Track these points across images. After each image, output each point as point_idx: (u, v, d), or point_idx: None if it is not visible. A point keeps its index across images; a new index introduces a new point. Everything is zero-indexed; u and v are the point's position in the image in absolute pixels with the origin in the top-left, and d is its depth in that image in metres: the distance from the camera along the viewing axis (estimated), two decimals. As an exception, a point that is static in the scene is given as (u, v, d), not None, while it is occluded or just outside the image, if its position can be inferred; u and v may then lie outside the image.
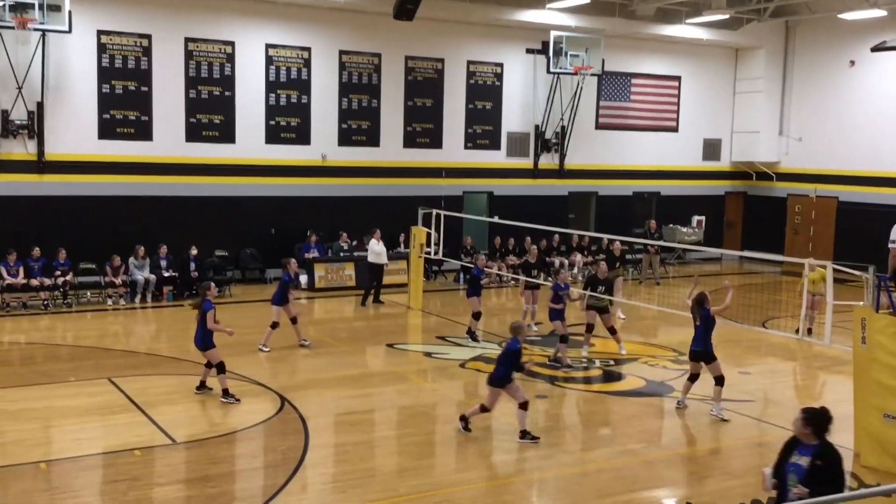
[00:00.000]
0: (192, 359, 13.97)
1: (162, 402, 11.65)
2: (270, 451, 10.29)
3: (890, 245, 10.15)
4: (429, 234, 18.93)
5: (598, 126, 25.94)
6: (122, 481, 9.05)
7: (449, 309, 18.90)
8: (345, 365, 14.05)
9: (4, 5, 17.25)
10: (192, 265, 19.43)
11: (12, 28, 17.48)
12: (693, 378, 11.80)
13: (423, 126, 23.46)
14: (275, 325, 14.63)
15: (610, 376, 13.95)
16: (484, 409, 10.63)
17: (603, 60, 24.01)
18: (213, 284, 12.56)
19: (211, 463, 9.67)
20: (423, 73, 23.34)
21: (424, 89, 23.37)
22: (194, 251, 19.49)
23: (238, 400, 11.75)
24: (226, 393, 11.74)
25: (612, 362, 14.56)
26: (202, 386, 12.11)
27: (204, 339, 11.83)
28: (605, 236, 22.00)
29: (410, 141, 23.29)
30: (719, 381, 11.54)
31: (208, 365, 11.99)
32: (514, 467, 9.85)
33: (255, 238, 21.34)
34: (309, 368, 13.80)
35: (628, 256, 21.13)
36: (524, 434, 10.46)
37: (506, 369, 10.46)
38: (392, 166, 22.92)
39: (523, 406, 10.48)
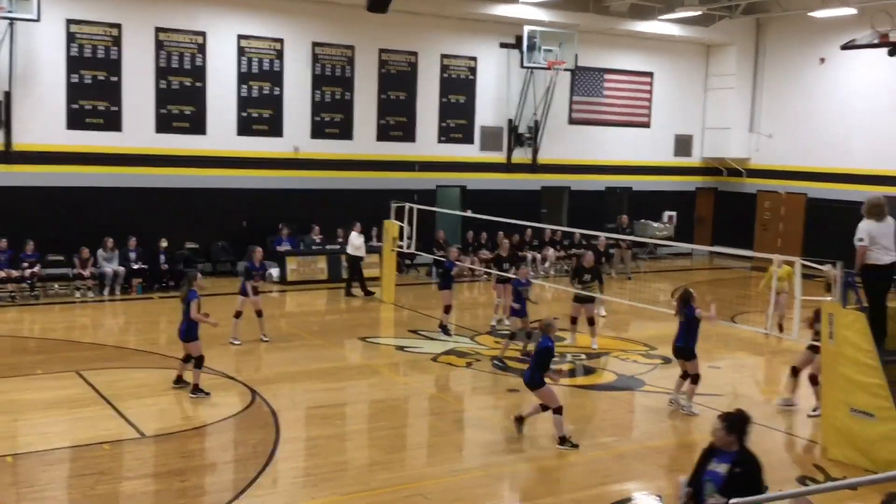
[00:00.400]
0: (160, 352, 13.87)
1: (131, 396, 11.53)
2: (241, 445, 10.23)
3: (856, 242, 10.26)
4: (401, 228, 18.89)
5: (571, 121, 26.01)
6: (89, 475, 8.95)
7: (421, 303, 18.88)
8: (316, 358, 14.00)
9: (-30, -8, 16.94)
10: (162, 257, 19.25)
11: (-22, 15, 17.18)
12: (685, 375, 11.68)
13: (397, 119, 23.40)
14: (237, 315, 14.57)
15: (582, 370, 14.00)
16: (544, 407, 10.29)
17: (576, 55, 24.07)
18: (199, 275, 12.31)
19: (181, 457, 9.59)
20: (397, 66, 23.26)
21: (398, 82, 23.29)
22: (164, 243, 19.30)
23: (208, 394, 11.64)
24: (196, 388, 11.62)
25: (583, 356, 14.62)
26: (179, 380, 11.92)
27: (187, 331, 11.62)
28: (578, 231, 22.13)
29: (384, 134, 23.22)
30: (695, 378, 11.53)
31: (186, 359, 11.80)
32: (486, 460, 9.86)
33: (226, 231, 21.16)
34: (280, 362, 13.73)
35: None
36: (563, 440, 10.15)
37: (538, 369, 10.16)
38: (365, 159, 22.83)
39: (558, 411, 10.13)
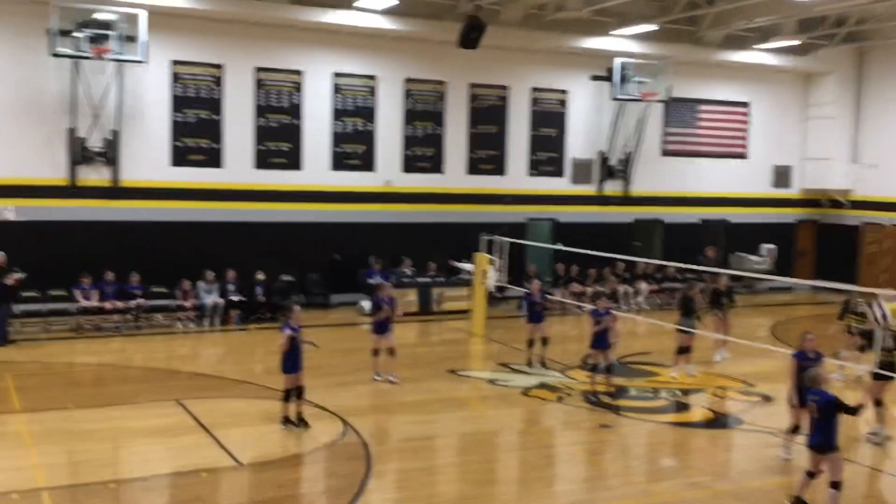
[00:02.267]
0: (257, 382, 14.16)
1: (228, 425, 11.79)
2: (333, 476, 10.33)
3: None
4: (492, 261, 18.89)
5: (664, 153, 25.67)
6: (188, 502, 9.18)
7: (511, 336, 18.79)
8: (407, 391, 14.06)
9: (83, 36, 17.86)
10: (259, 289, 19.74)
11: (90, 58, 18.08)
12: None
13: (487, 153, 23.55)
14: (375, 353, 14.57)
15: (677, 406, 13.68)
16: (811, 475, 9.09)
17: (670, 87, 23.80)
18: (297, 308, 12.11)
19: (275, 486, 9.74)
20: (488, 101, 23.45)
21: (488, 116, 23.47)
22: (261, 276, 19.80)
23: (298, 426, 11.66)
24: (287, 420, 11.77)
25: (678, 392, 14.28)
26: (288, 420, 11.79)
27: (284, 363, 11.72)
28: (671, 264, 21.70)
29: (474, 168, 23.39)
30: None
31: (297, 393, 11.79)
32: (576, 497, 9.69)
33: (319, 263, 21.58)
34: (371, 393, 13.84)
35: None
36: None
37: (829, 429, 8.84)
38: (456, 192, 23.02)
39: (835, 486, 8.85)
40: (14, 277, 16.44)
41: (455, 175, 23.15)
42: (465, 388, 14.65)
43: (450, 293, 21.46)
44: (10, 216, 18.44)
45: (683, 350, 15.15)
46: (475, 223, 22.06)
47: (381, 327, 14.54)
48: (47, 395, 13.16)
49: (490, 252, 19.08)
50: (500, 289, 21.21)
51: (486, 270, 18.92)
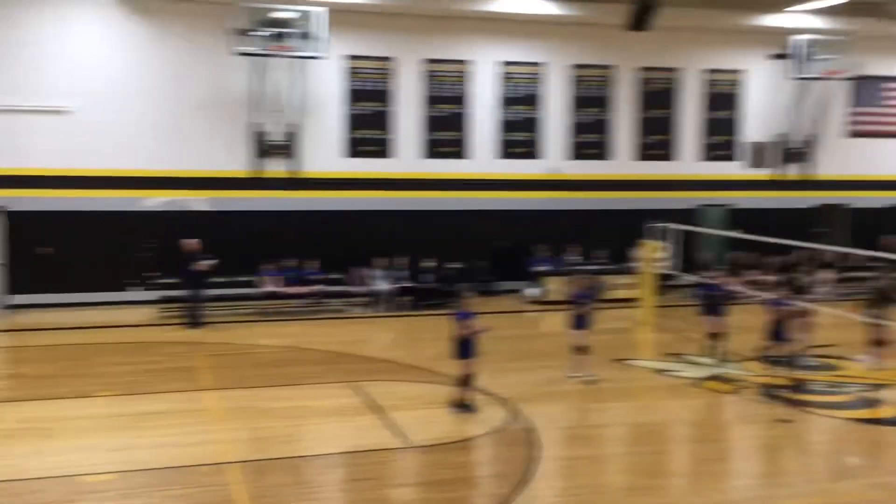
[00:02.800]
0: (427, 367, 14.52)
1: (398, 407, 12.16)
2: (502, 461, 10.47)
3: None
4: (661, 249, 18.47)
5: (849, 133, 24.18)
6: (362, 480, 9.57)
7: (681, 325, 18.32)
8: (573, 379, 13.99)
9: (265, 34, 18.84)
10: (429, 276, 20.20)
11: (272, 56, 19.06)
12: None
13: (657, 138, 23.01)
14: (580, 350, 13.79)
15: (864, 402, 12.91)
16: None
17: (857, 63, 22.34)
18: (469, 293, 12.26)
19: (445, 468, 9.98)
20: (657, 84, 22.90)
21: (658, 100, 22.92)
22: (430, 263, 20.27)
23: (470, 411, 11.88)
24: (459, 406, 11.94)
25: (868, 386, 13.48)
26: (461, 405, 11.95)
27: (458, 349, 11.89)
28: (859, 252, 20.43)
29: (643, 153, 22.92)
30: None
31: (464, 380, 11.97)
32: (752, 493, 9.36)
33: (486, 250, 21.82)
34: (539, 381, 13.88)
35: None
36: None
37: None
38: (623, 179, 22.65)
39: None
40: (205, 264, 17.60)
41: (623, 161, 22.78)
42: (633, 378, 14.43)
43: (617, 281, 21.14)
44: (202, 206, 19.75)
45: (879, 343, 14.25)
46: (644, 210, 21.61)
47: (580, 322, 13.92)
48: (234, 374, 14.04)
49: (660, 239, 18.64)
50: (670, 277, 20.68)
51: (656, 258, 18.51)
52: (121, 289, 19.36)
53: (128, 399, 12.44)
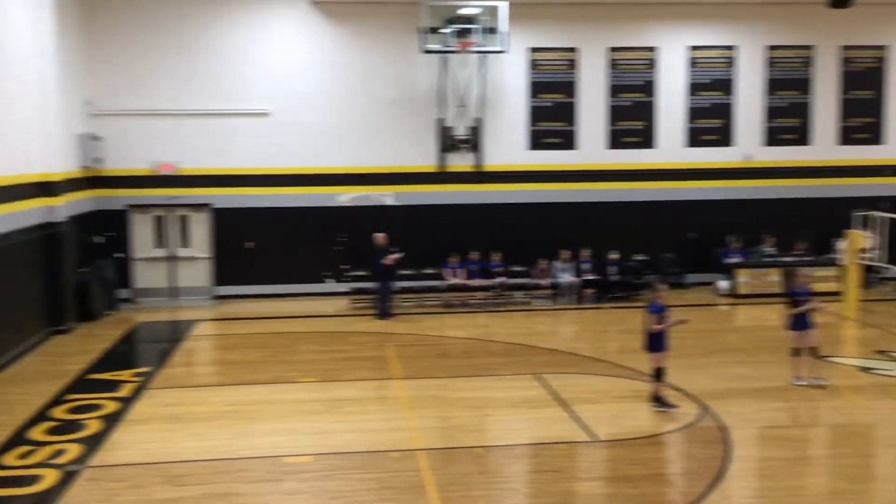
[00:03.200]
0: (611, 360, 14.32)
1: (584, 400, 12.06)
2: (690, 459, 10.16)
3: None
4: (867, 239, 17.27)
5: None
6: (547, 472, 9.57)
7: (889, 321, 17.06)
8: (769, 376, 13.36)
9: (449, 32, 19.21)
10: (613, 269, 19.88)
11: (455, 52, 19.41)
12: None
13: (862, 120, 21.53)
14: (810, 351, 12.78)
15: None
16: None
17: None
18: (661, 285, 11.94)
19: (631, 463, 9.81)
20: (862, 63, 21.39)
21: (863, 80, 21.42)
22: (614, 255, 19.95)
23: (673, 407, 11.57)
24: (656, 399, 11.70)
25: None
26: (659, 400, 11.73)
27: (649, 342, 11.70)
28: None
29: (846, 137, 21.50)
30: None
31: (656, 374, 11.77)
32: (973, 505, 8.60)
33: (673, 242, 21.22)
34: (730, 377, 13.35)
35: None
36: None
37: None
38: (823, 165, 21.34)
39: None
40: (392, 258, 18.16)
41: (823, 146, 21.46)
42: (835, 376, 13.57)
43: (818, 273, 19.95)
44: (389, 201, 20.40)
45: None
46: (847, 198, 20.34)
47: (801, 323, 12.79)
48: (422, 364, 14.41)
49: (865, 229, 17.44)
50: (876, 269, 19.32)
51: (860, 248, 17.34)
52: (316, 281, 20.34)
53: (324, 385, 13.07)
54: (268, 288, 20.22)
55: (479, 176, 20.67)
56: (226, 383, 13.44)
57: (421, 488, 9.07)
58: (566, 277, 19.75)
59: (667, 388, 11.85)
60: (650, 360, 11.70)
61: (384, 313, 18.19)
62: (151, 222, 20.13)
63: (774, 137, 21.43)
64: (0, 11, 14.82)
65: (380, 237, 18.35)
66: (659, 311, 11.60)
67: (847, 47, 21.32)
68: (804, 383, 12.66)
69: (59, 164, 16.85)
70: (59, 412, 11.83)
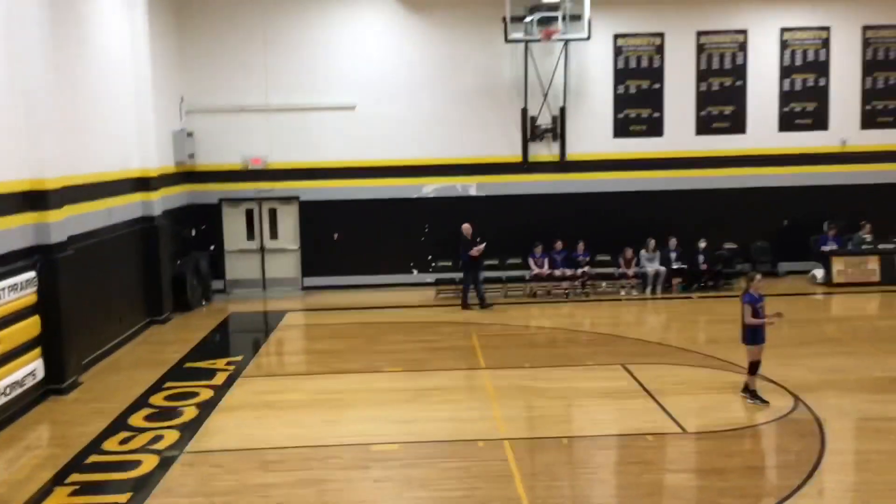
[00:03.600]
0: (700, 350, 14.07)
1: (672, 391, 11.90)
2: (783, 451, 9.93)
3: None
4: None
5: None
6: (635, 464, 9.48)
7: None
8: (865, 367, 12.93)
9: (532, 20, 19.10)
10: (701, 258, 19.49)
11: (538, 41, 19.29)
12: None
13: (967, 101, 20.59)
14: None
15: None
16: None
17: None
18: (757, 275, 11.51)
19: (721, 455, 9.63)
20: (967, 40, 20.43)
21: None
22: (703, 244, 19.54)
23: (765, 402, 11.30)
24: (748, 391, 11.45)
25: None
26: (752, 392, 11.47)
27: (745, 335, 11.44)
28: None
29: (950, 119, 20.59)
30: None
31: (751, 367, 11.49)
32: None
33: (766, 230, 20.68)
34: (825, 368, 12.96)
35: None
36: None
37: None
38: (926, 149, 20.49)
39: None
40: (477, 249, 18.17)
41: (924, 128, 20.61)
42: (939, 368, 13.06)
43: (919, 261, 19.24)
44: (473, 192, 20.44)
45: None
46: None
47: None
48: (508, 353, 14.42)
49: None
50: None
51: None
52: (402, 271, 20.54)
53: (410, 375, 13.21)
54: (355, 279, 20.53)
55: (563, 165, 20.52)
56: (315, 372, 13.72)
57: (507, 477, 9.10)
58: (652, 266, 19.45)
59: (759, 380, 11.58)
60: (747, 352, 11.44)
61: (482, 302, 18.15)
62: (242, 215, 20.66)
63: (872, 120, 20.64)
64: (96, 11, 15.39)
65: (467, 227, 18.39)
66: (755, 301, 11.30)
67: (951, 24, 20.40)
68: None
69: (155, 159, 17.43)
70: (158, 399, 12.28)
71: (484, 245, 18.26)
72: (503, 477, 9.11)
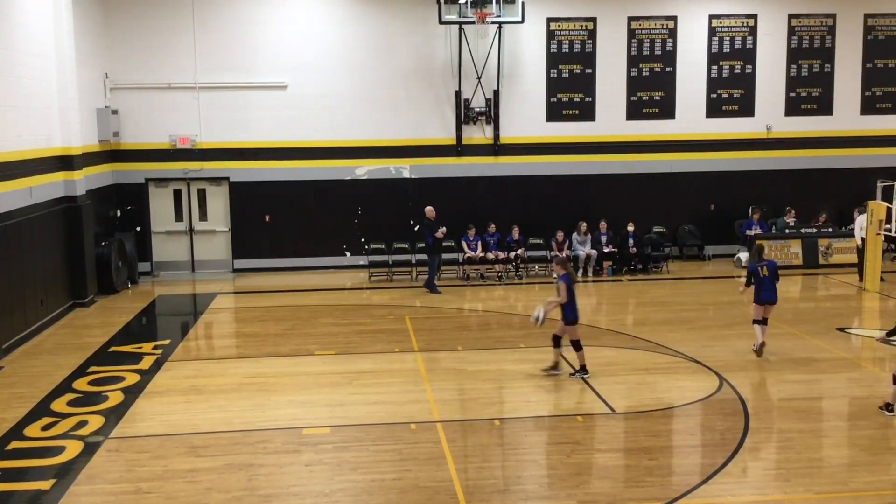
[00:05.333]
0: (628, 332, 14.29)
1: (602, 373, 12.06)
2: (708, 430, 10.15)
3: None
4: (889, 210, 17.10)
5: None
6: (565, 444, 9.59)
7: (913, 293, 16.93)
8: (788, 348, 13.31)
9: (466, 2, 19.03)
10: (630, 241, 19.78)
11: (473, 23, 19.23)
12: None
13: (885, 90, 21.23)
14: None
15: None
16: None
17: None
18: (558, 257, 12.28)
19: (649, 435, 9.81)
20: (886, 31, 21.06)
21: (887, 49, 21.10)
22: (631, 227, 19.83)
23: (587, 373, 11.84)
24: (581, 368, 12.00)
25: None
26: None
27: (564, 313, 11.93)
28: None
29: (868, 107, 21.22)
30: None
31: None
32: None
33: (693, 214, 21.09)
34: (749, 349, 13.30)
35: None
36: None
37: None
38: (846, 136, 21.10)
39: None
40: (441, 231, 18.05)
41: (846, 116, 21.20)
42: (856, 348, 13.52)
43: (838, 245, 19.86)
44: (406, 174, 20.35)
45: None
46: (869, 168, 20.12)
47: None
48: (440, 336, 14.44)
49: (889, 200, 17.25)
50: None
51: (883, 220, 17.16)
52: (334, 254, 20.37)
53: (342, 358, 13.13)
54: (286, 261, 20.29)
55: (497, 148, 20.56)
56: (245, 356, 13.53)
57: (439, 459, 9.12)
58: (584, 250, 19.67)
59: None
60: (569, 331, 11.89)
61: (432, 288, 18.10)
62: (170, 196, 20.21)
63: (796, 107, 21.18)
64: (17, -15, 14.83)
65: (430, 210, 18.27)
66: (569, 282, 11.83)
67: (870, 15, 20.97)
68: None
69: (79, 137, 16.91)
70: (81, 384, 11.96)
71: (444, 229, 18.15)
72: (435, 459, 9.13)
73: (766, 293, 12.83)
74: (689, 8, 20.73)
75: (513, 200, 20.38)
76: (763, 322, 12.93)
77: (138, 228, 19.83)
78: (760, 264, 12.90)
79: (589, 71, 20.68)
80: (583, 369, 11.93)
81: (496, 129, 20.48)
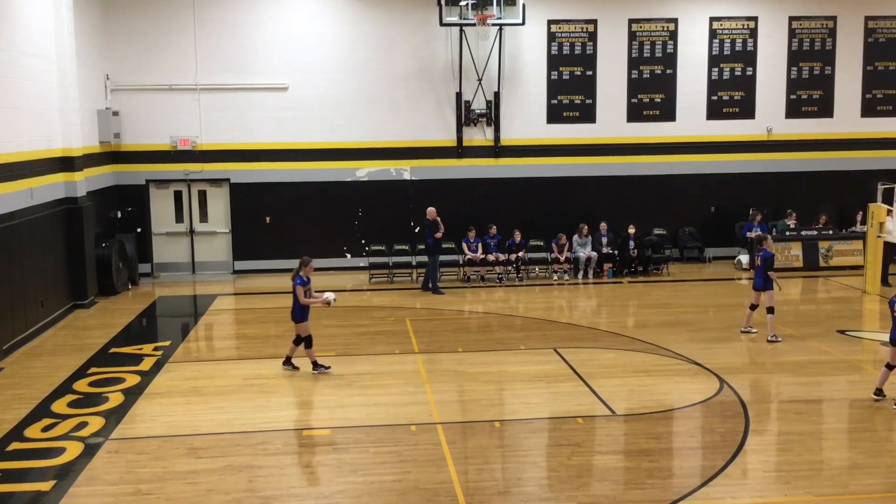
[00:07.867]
0: (629, 334, 14.29)
1: (602, 375, 12.06)
2: (709, 433, 10.14)
3: None
4: (889, 212, 17.08)
5: None
6: (565, 446, 9.58)
7: (914, 295, 16.89)
8: (789, 350, 13.31)
9: (467, 4, 19.04)
10: (631, 243, 19.77)
11: (474, 25, 19.24)
12: None
13: (885, 92, 21.25)
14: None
15: None
16: (890, 367, 10.71)
17: None
18: (312, 261, 12.46)
19: (649, 437, 9.80)
20: (888, 33, 21.07)
21: (888, 51, 21.10)
22: (632, 229, 19.83)
23: (327, 368, 12.34)
24: (313, 364, 12.41)
25: None
26: (288, 361, 12.53)
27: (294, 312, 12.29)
28: None
29: (869, 109, 21.23)
30: None
31: (297, 340, 12.43)
32: None
33: (693, 216, 21.10)
34: (750, 351, 13.30)
35: None
36: None
37: None
38: (847, 138, 21.10)
39: None
40: (440, 232, 18.06)
41: (846, 118, 21.21)
42: (857, 351, 13.50)
43: (840, 247, 19.86)
44: (407, 176, 20.35)
45: None
46: (871, 170, 20.14)
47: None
48: (441, 338, 14.43)
49: (889, 202, 17.24)
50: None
51: (884, 222, 17.16)
52: (334, 255, 20.36)
53: (343, 359, 13.12)
54: (287, 262, 20.21)
55: (498, 150, 20.57)
56: (245, 357, 13.53)
57: (439, 461, 9.11)
58: (584, 252, 19.67)
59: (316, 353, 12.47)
60: (299, 328, 12.23)
61: (435, 289, 18.10)
62: (170, 197, 20.22)
63: (797, 109, 21.18)
64: (18, -13, 14.83)
65: (432, 211, 18.26)
66: (304, 284, 12.14)
67: (871, 17, 20.97)
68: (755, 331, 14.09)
69: (79, 139, 16.92)
70: (82, 385, 11.96)
71: (443, 229, 18.16)
72: (436, 461, 9.12)
73: (755, 279, 14.14)
74: (689, 10, 20.74)
75: (513, 202, 20.38)
76: (752, 308, 14.23)
77: (139, 230, 19.83)
78: (757, 254, 14.28)
79: (589, 73, 20.69)
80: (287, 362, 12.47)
81: (497, 130, 20.49)
